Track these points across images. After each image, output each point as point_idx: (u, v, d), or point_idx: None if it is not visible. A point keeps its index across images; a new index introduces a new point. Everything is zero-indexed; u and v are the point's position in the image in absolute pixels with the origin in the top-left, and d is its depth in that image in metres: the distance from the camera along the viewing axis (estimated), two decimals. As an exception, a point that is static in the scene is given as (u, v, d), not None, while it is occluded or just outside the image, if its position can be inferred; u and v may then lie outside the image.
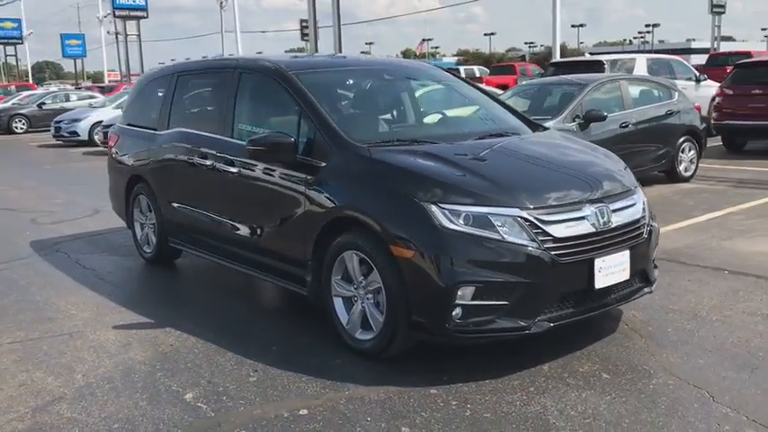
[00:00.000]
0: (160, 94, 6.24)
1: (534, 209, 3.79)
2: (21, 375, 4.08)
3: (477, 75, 37.31)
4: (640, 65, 14.83)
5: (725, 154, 13.03)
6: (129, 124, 6.76)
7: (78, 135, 19.76)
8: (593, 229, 3.91)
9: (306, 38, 46.74)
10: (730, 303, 4.90)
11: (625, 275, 4.06)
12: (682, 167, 9.96)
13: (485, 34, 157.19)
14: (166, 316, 4.99)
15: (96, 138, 18.92)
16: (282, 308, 5.46)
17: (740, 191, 9.28)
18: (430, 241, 3.71)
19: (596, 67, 14.01)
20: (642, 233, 4.22)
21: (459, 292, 3.66)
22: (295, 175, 4.45)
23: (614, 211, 4.05)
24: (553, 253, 3.74)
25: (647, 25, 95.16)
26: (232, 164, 4.98)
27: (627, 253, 4.04)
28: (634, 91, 9.70)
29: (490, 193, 3.82)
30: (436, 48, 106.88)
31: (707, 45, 43.74)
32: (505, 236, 3.69)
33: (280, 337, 4.54)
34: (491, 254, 3.68)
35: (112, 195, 7.09)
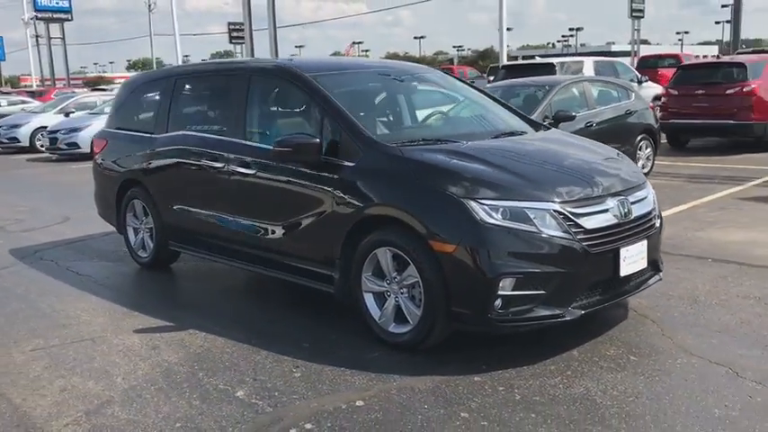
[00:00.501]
0: (156, 98, 6.20)
1: (565, 202, 4.00)
2: (58, 381, 4.04)
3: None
4: (588, 67, 15.45)
5: (670, 151, 13.67)
6: (118, 128, 6.68)
7: (19, 141, 19.09)
8: (617, 221, 4.16)
9: (234, 41, 46.18)
10: (723, 288, 5.24)
11: (643, 264, 4.32)
12: (639, 164, 10.40)
13: (415, 37, 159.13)
14: (184, 318, 4.99)
15: (39, 144, 18.36)
16: (297, 305, 5.48)
17: (696, 185, 9.81)
18: (471, 236, 3.87)
19: (547, 69, 14.50)
20: (655, 224, 4.50)
21: (500, 284, 3.83)
22: (320, 176, 4.53)
23: (632, 203, 4.31)
24: (585, 244, 3.96)
25: (570, 29, 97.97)
26: (248, 166, 5.01)
27: (645, 242, 4.31)
28: (596, 92, 10.14)
29: (524, 189, 4.01)
30: (366, 51, 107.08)
31: (627, 48, 45.32)
32: (542, 229, 3.89)
33: (306, 334, 4.61)
34: (529, 246, 3.88)
35: (100, 201, 6.98)
